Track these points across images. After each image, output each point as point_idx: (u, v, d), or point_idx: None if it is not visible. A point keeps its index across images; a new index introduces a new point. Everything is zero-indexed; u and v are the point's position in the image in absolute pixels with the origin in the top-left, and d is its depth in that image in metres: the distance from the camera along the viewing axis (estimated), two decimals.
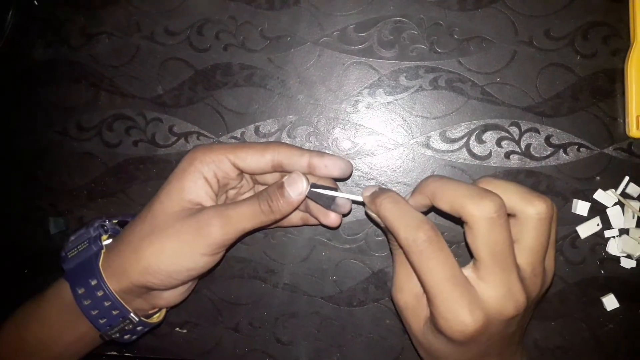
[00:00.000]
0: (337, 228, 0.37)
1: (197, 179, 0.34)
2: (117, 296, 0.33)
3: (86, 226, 0.37)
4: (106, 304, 0.33)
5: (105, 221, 0.37)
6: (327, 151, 0.41)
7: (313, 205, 0.36)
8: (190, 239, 0.32)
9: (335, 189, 0.35)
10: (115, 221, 0.38)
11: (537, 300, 0.31)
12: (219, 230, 0.32)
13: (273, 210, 0.33)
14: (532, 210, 0.29)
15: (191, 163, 0.34)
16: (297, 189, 0.33)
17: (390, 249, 0.34)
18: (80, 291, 0.33)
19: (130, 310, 0.34)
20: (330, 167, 0.34)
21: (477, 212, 0.28)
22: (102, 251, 0.35)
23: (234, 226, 0.33)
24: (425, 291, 0.29)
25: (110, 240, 0.36)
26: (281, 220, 0.35)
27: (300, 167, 0.34)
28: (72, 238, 0.36)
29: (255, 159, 0.34)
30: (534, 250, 0.29)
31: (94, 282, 0.33)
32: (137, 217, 0.35)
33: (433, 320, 0.30)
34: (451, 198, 0.29)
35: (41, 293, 0.36)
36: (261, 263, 0.42)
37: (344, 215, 0.37)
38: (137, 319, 0.34)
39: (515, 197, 0.29)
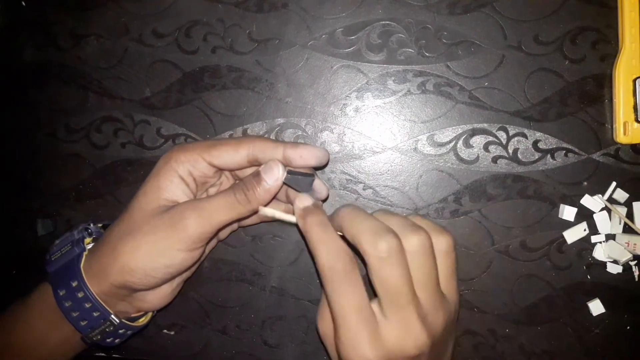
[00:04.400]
0: None
1: (173, 177, 0.34)
2: (98, 298, 0.33)
3: (71, 230, 0.37)
4: (87, 305, 0.33)
5: (89, 224, 0.37)
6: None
7: (293, 194, 0.35)
8: (165, 235, 0.32)
9: (312, 176, 0.34)
10: (100, 225, 0.38)
11: (447, 330, 0.31)
12: (193, 224, 0.32)
13: (250, 199, 0.33)
14: (411, 244, 0.29)
15: (167, 162, 0.34)
16: (273, 175, 0.32)
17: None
18: (62, 293, 0.33)
19: (112, 311, 0.34)
20: (305, 157, 0.34)
21: (370, 250, 0.28)
22: (84, 253, 0.35)
23: (209, 219, 0.32)
24: (333, 320, 0.29)
25: (93, 244, 0.36)
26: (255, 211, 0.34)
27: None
28: (57, 242, 0.37)
29: (229, 156, 0.34)
30: (426, 285, 0.29)
31: (74, 284, 0.33)
32: (117, 219, 0.35)
33: (338, 351, 0.29)
34: (353, 232, 0.30)
35: (25, 296, 0.36)
36: (249, 266, 0.42)
37: (323, 201, 0.36)
38: (117, 321, 0.34)
39: (398, 230, 0.29)
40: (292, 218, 0.33)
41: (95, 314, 0.34)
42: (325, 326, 0.32)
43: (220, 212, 0.32)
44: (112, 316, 0.34)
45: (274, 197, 0.34)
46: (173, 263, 0.33)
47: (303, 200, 0.32)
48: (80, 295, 0.33)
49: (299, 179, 0.34)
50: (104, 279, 0.33)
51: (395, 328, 0.28)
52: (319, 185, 0.34)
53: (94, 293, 0.33)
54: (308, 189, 0.34)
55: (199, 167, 0.34)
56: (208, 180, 0.36)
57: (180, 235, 0.32)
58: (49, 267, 0.35)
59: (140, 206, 0.33)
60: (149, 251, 0.32)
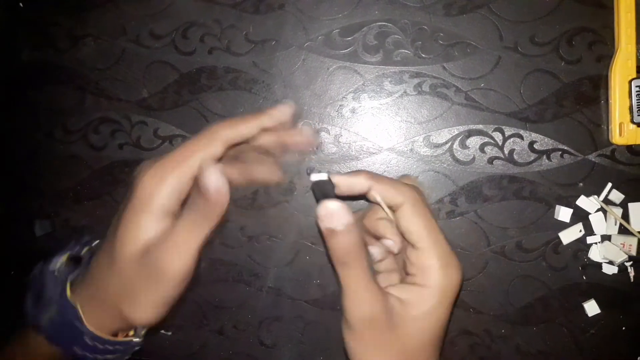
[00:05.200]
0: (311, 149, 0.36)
1: (154, 214, 0.30)
2: (107, 337, 0.33)
3: (37, 281, 0.33)
4: (99, 346, 0.33)
5: (54, 267, 0.34)
6: (312, 156, 0.41)
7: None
8: (160, 287, 0.30)
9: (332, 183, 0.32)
10: (63, 260, 0.34)
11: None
12: (175, 264, 0.29)
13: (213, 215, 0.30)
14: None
15: (142, 196, 0.30)
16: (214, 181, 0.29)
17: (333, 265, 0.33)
18: (77, 349, 0.33)
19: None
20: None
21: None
22: (79, 310, 0.32)
23: (185, 251, 0.30)
24: (422, 241, 0.31)
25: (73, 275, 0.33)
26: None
27: (268, 141, 0.32)
28: (29, 298, 0.33)
29: (210, 158, 0.31)
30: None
31: (88, 340, 0.33)
32: (100, 263, 0.32)
33: (424, 284, 0.30)
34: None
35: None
36: (246, 267, 0.42)
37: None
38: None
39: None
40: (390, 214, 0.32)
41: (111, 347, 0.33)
42: (361, 314, 0.31)
43: (192, 239, 0.30)
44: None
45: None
46: (173, 297, 0.32)
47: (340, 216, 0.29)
48: (91, 344, 0.33)
49: (322, 185, 0.31)
50: (107, 327, 0.32)
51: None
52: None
53: (105, 337, 0.33)
54: (332, 194, 0.31)
55: (181, 188, 0.31)
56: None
57: (172, 283, 0.30)
58: (42, 332, 0.32)
59: (123, 255, 0.30)
60: (148, 302, 0.31)
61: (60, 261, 0.34)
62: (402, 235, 0.32)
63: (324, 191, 0.30)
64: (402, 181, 0.32)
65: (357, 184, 0.31)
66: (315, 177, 0.30)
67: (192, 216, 0.30)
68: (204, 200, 0.30)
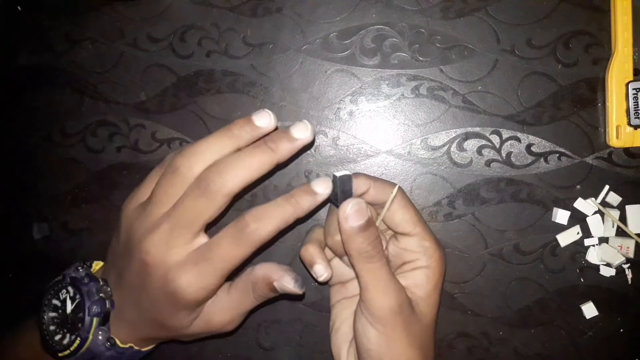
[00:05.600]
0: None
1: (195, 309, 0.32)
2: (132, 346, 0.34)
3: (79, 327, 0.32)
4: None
5: (98, 341, 0.32)
6: (309, 159, 0.41)
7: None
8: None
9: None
10: (94, 324, 0.32)
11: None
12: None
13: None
14: None
15: (184, 300, 0.30)
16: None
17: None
18: None
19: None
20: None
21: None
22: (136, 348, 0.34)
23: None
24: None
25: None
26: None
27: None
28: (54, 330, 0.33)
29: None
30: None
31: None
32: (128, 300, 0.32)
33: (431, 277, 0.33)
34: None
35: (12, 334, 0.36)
36: (244, 270, 0.42)
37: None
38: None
39: None
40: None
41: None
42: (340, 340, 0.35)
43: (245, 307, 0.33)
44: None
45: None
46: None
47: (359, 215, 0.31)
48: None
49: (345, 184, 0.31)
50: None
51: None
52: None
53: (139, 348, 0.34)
54: (350, 193, 0.32)
55: None
56: None
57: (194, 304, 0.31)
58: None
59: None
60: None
61: (94, 325, 0.32)
62: (394, 229, 0.34)
63: (345, 190, 0.31)
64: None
65: (361, 185, 0.33)
66: (340, 174, 0.31)
67: (248, 293, 0.32)
68: (268, 292, 0.32)
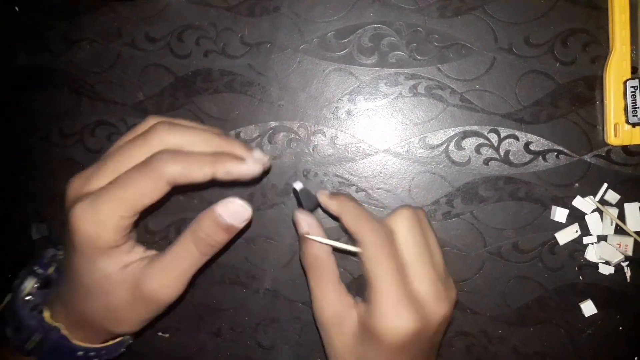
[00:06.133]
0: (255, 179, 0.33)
1: (107, 255, 0.29)
2: (98, 346, 0.32)
3: (11, 311, 0.32)
4: (92, 354, 0.33)
5: (23, 294, 0.32)
6: (308, 158, 0.41)
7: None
8: (145, 309, 0.30)
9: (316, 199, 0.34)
10: (31, 285, 0.33)
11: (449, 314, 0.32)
12: (164, 291, 0.29)
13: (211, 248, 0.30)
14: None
15: (84, 242, 0.28)
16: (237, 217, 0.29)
17: (304, 268, 0.34)
18: None
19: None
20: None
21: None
22: (63, 331, 0.31)
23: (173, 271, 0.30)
24: (372, 293, 0.29)
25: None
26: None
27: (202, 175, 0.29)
28: (9, 328, 0.32)
29: (152, 194, 0.28)
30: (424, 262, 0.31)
31: (81, 353, 0.32)
32: (74, 289, 0.31)
33: (369, 324, 0.29)
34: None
35: None
36: (242, 269, 0.42)
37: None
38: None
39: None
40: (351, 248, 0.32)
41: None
42: (327, 315, 0.32)
43: (188, 268, 0.30)
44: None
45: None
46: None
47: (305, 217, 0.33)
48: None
49: (309, 195, 0.34)
50: (93, 339, 0.32)
51: (430, 295, 0.30)
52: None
53: (96, 346, 0.32)
54: (311, 207, 0.34)
55: (123, 224, 0.29)
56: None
57: (162, 306, 0.30)
58: (31, 355, 0.32)
59: (99, 274, 0.29)
60: (139, 321, 0.31)
61: (28, 286, 0.32)
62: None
63: (302, 200, 0.34)
64: (378, 219, 0.31)
65: (330, 205, 0.33)
66: (296, 185, 0.34)
67: (189, 246, 0.29)
68: (216, 232, 0.29)
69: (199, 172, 0.28)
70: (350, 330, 0.31)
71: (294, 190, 0.34)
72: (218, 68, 0.41)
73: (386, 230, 0.30)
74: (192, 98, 0.42)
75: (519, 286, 0.40)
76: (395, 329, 0.29)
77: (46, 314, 0.31)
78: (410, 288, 0.29)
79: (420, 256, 0.30)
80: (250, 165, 0.30)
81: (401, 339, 0.29)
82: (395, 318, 0.29)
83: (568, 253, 0.40)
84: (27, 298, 0.32)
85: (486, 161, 0.40)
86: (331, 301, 0.32)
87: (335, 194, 0.33)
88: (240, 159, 0.30)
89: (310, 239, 0.32)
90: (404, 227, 0.31)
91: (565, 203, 0.40)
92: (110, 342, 0.33)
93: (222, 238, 0.29)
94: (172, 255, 0.29)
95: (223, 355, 0.43)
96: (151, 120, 0.31)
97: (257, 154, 0.31)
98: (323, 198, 0.33)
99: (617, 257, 0.39)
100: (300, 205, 0.35)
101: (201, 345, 0.43)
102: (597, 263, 0.40)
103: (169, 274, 0.29)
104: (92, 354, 0.32)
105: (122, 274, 0.29)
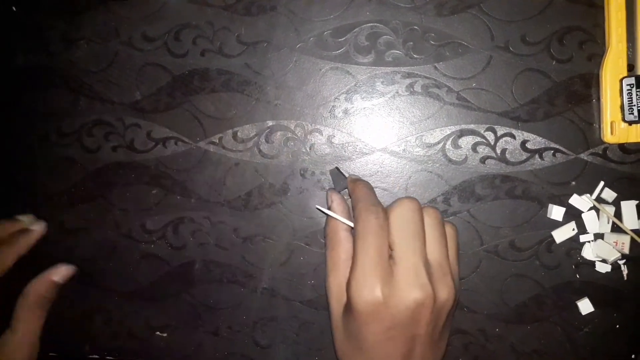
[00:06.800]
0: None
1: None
2: None
3: None
4: None
5: None
6: (305, 157, 0.41)
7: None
8: None
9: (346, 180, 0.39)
10: None
11: (449, 304, 0.32)
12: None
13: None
14: (428, 214, 0.34)
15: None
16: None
17: (326, 238, 0.36)
18: None
19: None
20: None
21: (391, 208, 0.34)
22: None
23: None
24: (353, 264, 0.31)
25: None
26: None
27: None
28: None
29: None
30: (435, 250, 0.33)
31: None
32: None
33: (348, 293, 0.31)
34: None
35: None
36: (240, 268, 0.42)
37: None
38: None
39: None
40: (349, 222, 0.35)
41: None
42: (333, 284, 0.34)
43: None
44: None
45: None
46: None
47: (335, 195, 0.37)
48: None
49: (340, 178, 0.40)
50: None
51: (404, 274, 0.31)
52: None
53: None
54: (341, 188, 0.39)
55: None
56: None
57: None
58: None
59: None
60: None
61: None
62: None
63: (333, 181, 0.41)
64: (378, 203, 0.34)
65: (349, 187, 0.37)
66: (330, 168, 0.41)
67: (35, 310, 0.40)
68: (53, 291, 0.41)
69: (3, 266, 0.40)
70: (343, 301, 0.33)
71: (330, 171, 0.40)
72: (215, 67, 0.41)
73: (379, 212, 0.32)
74: (189, 97, 0.42)
75: (516, 284, 0.40)
76: (360, 296, 0.30)
77: None
78: (386, 265, 0.31)
79: (405, 239, 0.31)
80: (36, 227, 0.42)
81: (367, 307, 0.30)
82: (363, 287, 0.30)
83: (565, 251, 0.40)
84: None
85: (483, 159, 0.40)
86: (339, 274, 0.33)
87: (357, 179, 0.37)
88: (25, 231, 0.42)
89: (325, 212, 0.36)
90: (397, 212, 0.32)
91: (562, 201, 0.40)
92: None
93: (54, 291, 0.42)
94: (20, 326, 0.40)
95: (221, 354, 0.43)
96: None
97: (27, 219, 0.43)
98: (348, 180, 0.38)
99: (613, 255, 0.39)
100: (334, 185, 0.40)
101: (199, 344, 0.43)
102: (594, 261, 0.40)
103: (26, 337, 0.40)
104: None
105: None
